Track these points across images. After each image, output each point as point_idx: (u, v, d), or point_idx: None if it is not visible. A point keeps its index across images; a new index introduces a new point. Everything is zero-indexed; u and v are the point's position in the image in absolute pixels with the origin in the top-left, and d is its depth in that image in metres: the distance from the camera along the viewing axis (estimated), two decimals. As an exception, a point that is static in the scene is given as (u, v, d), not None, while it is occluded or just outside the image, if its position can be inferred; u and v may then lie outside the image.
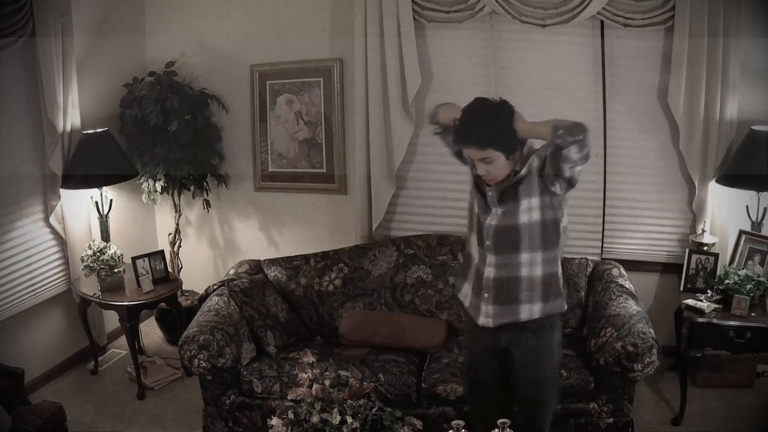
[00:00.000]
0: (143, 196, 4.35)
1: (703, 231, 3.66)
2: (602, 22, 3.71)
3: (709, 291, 3.44)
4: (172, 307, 4.09)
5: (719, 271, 3.50)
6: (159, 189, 4.29)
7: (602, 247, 4.06)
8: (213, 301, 3.45)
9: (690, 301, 3.38)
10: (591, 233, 4.04)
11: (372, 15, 3.86)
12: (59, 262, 4.06)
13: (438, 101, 4.03)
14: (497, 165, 2.43)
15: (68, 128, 3.89)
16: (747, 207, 3.58)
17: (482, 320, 2.56)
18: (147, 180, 4.27)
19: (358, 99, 4.03)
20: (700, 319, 3.28)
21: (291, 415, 2.36)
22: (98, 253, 3.85)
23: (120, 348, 4.40)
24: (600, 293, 3.43)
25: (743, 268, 3.43)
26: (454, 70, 4.02)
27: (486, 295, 2.54)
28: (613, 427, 3.06)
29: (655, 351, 2.92)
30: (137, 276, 3.94)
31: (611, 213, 4.01)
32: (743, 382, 3.71)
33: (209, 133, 4.42)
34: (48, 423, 2.91)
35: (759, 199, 3.53)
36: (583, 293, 3.53)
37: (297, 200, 4.56)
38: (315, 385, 2.42)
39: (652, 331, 3.01)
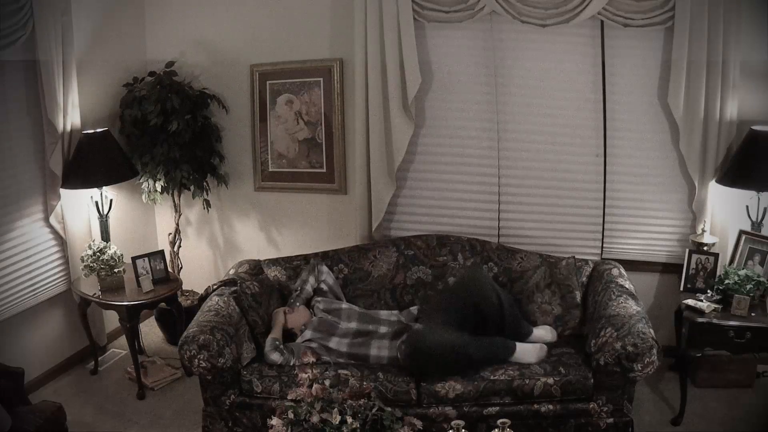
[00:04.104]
0: (143, 196, 4.35)
1: (703, 231, 3.66)
2: (602, 22, 3.71)
3: (709, 291, 3.44)
4: (172, 307, 4.09)
5: (719, 271, 3.50)
6: (159, 189, 4.29)
7: (602, 247, 4.06)
8: (213, 301, 3.45)
9: (690, 301, 3.38)
10: (591, 233, 4.04)
11: (372, 15, 3.86)
12: (59, 262, 4.06)
13: (438, 101, 4.08)
14: None
15: (68, 128, 3.89)
16: (747, 207, 3.58)
17: None
18: (147, 180, 4.27)
19: (358, 99, 4.03)
20: (700, 319, 3.28)
21: (291, 415, 2.36)
22: (98, 253, 3.85)
23: (120, 348, 4.40)
24: (600, 293, 3.43)
25: (743, 268, 3.42)
26: (454, 70, 4.02)
27: None
28: (613, 427, 3.05)
29: (655, 351, 2.92)
30: (137, 276, 3.95)
31: (611, 213, 4.01)
32: (743, 382, 3.71)
33: (209, 133, 4.43)
34: (48, 423, 2.91)
35: (759, 199, 3.53)
36: (577, 293, 3.53)
37: (297, 200, 4.56)
38: (315, 385, 2.42)
39: (652, 331, 3.01)
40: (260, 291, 3.59)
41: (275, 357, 3.29)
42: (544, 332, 3.42)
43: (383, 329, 3.44)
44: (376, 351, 3.32)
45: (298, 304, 3.60)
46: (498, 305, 3.25)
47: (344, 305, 3.64)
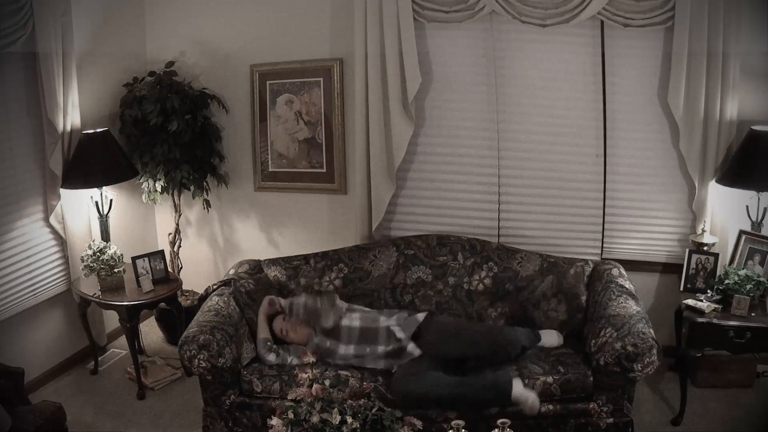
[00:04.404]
0: (143, 196, 4.35)
1: (703, 231, 3.66)
2: (602, 22, 3.71)
3: (709, 291, 3.44)
4: (172, 307, 4.09)
5: (719, 271, 3.50)
6: (159, 189, 4.29)
7: (602, 247, 4.06)
8: (213, 301, 3.45)
9: (690, 301, 3.38)
10: (591, 233, 4.04)
11: (372, 15, 3.86)
12: (59, 262, 4.06)
13: (438, 101, 4.08)
14: None
15: (68, 128, 3.89)
16: (747, 207, 3.58)
17: None
18: (147, 180, 4.27)
19: (358, 99, 4.03)
20: (700, 319, 3.28)
21: (291, 415, 2.36)
22: (98, 253, 3.85)
23: (120, 348, 4.40)
24: (600, 293, 3.43)
25: (743, 268, 3.42)
26: (454, 70, 4.02)
27: None
28: (613, 427, 3.05)
29: (655, 351, 2.91)
30: (137, 276, 3.95)
31: (611, 213, 4.01)
32: (743, 382, 3.71)
33: (209, 133, 4.42)
34: (48, 423, 2.91)
35: (759, 199, 3.53)
36: (583, 297, 3.52)
37: (297, 200, 4.56)
38: (315, 385, 2.42)
39: (652, 331, 3.01)
40: (256, 288, 3.58)
41: (271, 358, 3.29)
42: (551, 338, 3.41)
43: (380, 349, 3.30)
44: (372, 364, 3.28)
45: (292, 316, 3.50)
46: (515, 356, 3.22)
47: (344, 322, 3.41)
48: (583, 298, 3.52)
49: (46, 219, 3.94)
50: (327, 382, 2.47)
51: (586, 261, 3.70)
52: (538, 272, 3.69)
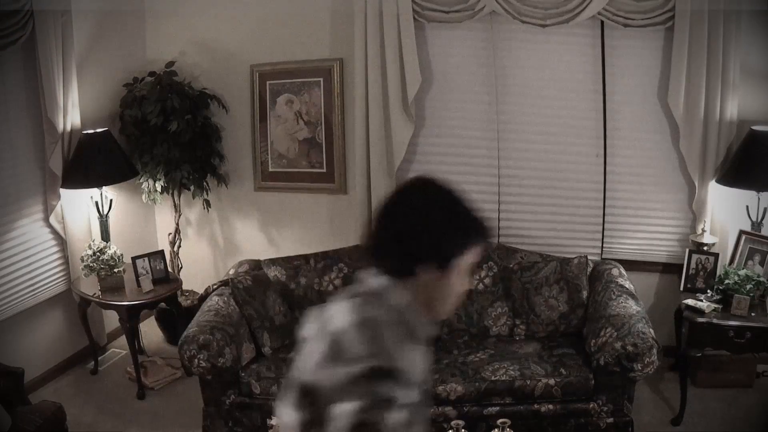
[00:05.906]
0: (143, 196, 4.35)
1: (703, 231, 3.66)
2: (602, 22, 3.71)
3: (709, 291, 3.44)
4: (172, 307, 4.09)
5: (719, 271, 3.49)
6: (159, 189, 4.29)
7: (602, 247, 4.06)
8: (213, 301, 3.45)
9: (690, 301, 3.38)
10: (591, 233, 4.04)
11: (372, 15, 3.86)
12: (59, 262, 4.06)
13: (438, 101, 4.08)
14: None
15: (68, 128, 3.89)
16: (747, 207, 3.58)
17: None
18: (147, 180, 4.27)
19: (358, 99, 4.03)
20: (700, 319, 3.28)
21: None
22: (98, 253, 3.85)
23: (120, 348, 4.40)
24: (600, 293, 3.43)
25: (743, 268, 3.42)
26: (454, 70, 4.02)
27: None
28: (613, 427, 3.06)
29: (655, 351, 2.92)
30: (137, 276, 3.94)
31: (611, 213, 4.01)
32: (743, 382, 3.71)
33: (209, 133, 4.42)
34: (48, 423, 2.91)
35: (759, 199, 3.53)
36: (584, 293, 3.53)
37: (297, 200, 4.55)
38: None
39: (652, 331, 3.02)
40: (253, 284, 3.58)
41: None
42: None
43: None
44: None
45: None
46: None
47: None
48: (584, 293, 3.52)
49: (46, 219, 3.94)
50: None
51: (587, 256, 3.68)
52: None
